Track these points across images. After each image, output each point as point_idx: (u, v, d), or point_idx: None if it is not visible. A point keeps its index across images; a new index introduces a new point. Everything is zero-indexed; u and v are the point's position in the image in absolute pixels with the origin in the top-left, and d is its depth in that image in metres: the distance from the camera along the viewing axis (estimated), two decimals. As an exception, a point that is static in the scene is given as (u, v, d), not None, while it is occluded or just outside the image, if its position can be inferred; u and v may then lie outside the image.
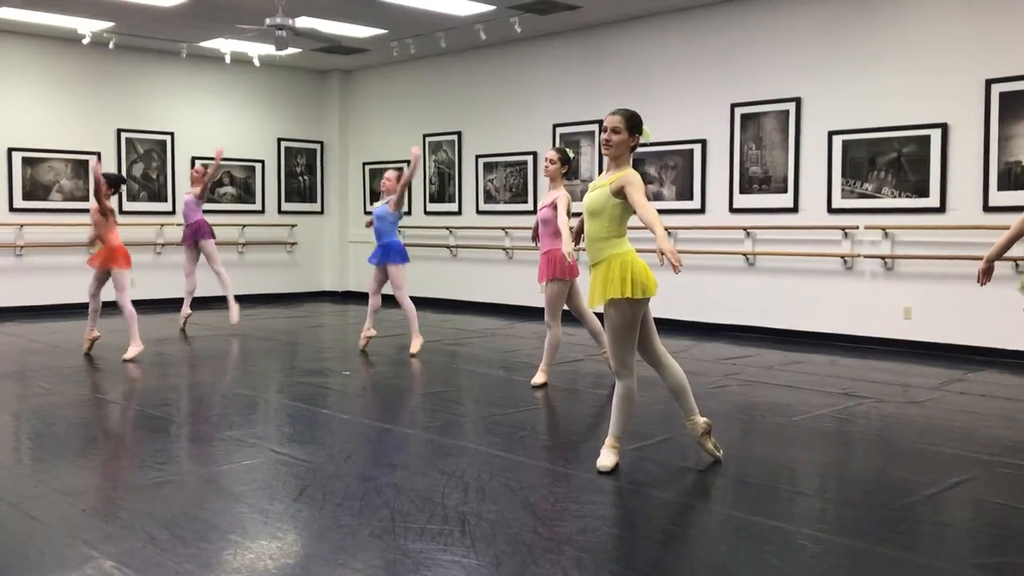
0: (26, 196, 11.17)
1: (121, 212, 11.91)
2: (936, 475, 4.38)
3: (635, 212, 4.15)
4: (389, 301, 8.61)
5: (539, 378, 6.53)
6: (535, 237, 6.81)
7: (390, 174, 8.13)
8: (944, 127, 8.01)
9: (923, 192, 8.15)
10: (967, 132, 7.90)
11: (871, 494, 4.13)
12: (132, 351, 7.71)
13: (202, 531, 3.52)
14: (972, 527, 3.85)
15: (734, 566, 3.26)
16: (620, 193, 4.15)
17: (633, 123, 4.25)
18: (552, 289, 6.36)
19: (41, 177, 11.30)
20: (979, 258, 5.14)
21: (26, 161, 11.19)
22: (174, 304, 11.61)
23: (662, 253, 3.86)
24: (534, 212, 6.69)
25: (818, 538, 3.50)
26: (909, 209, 8.26)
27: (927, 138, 8.10)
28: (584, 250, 4.46)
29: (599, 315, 5.86)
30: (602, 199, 4.19)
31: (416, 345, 8.11)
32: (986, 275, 4.91)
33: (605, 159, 4.37)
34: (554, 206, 6.22)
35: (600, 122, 10.35)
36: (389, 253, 7.98)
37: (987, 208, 7.81)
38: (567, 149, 6.54)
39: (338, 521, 3.64)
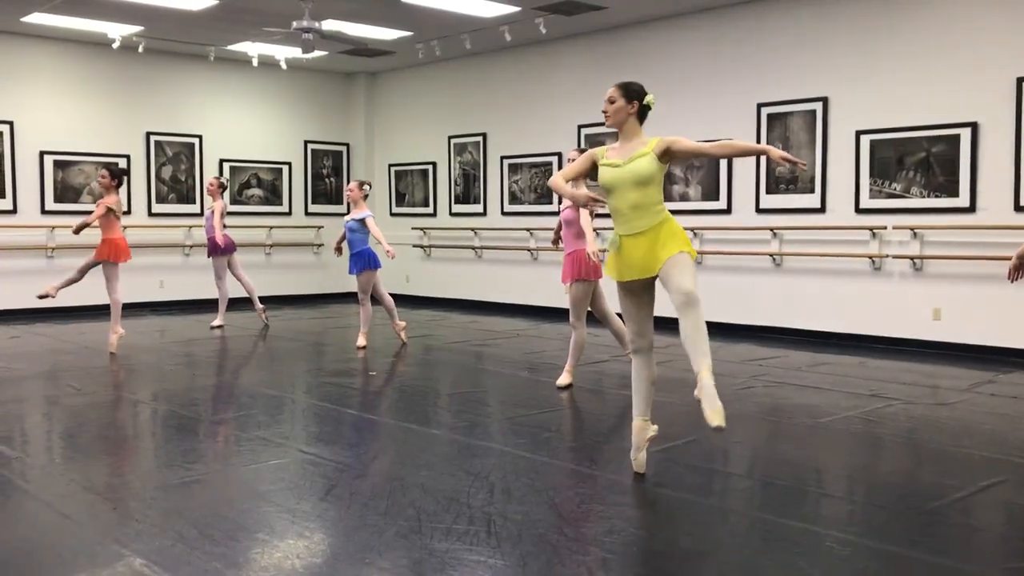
0: (57, 199, 11.32)
1: (150, 215, 12.08)
2: (966, 478, 4.33)
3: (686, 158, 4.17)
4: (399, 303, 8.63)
5: (564, 379, 6.53)
6: (556, 240, 6.86)
7: (352, 184, 8.58)
8: (974, 126, 7.91)
9: (953, 192, 8.07)
10: (998, 131, 7.81)
11: (900, 497, 4.09)
12: (113, 339, 8.04)
13: (230, 530, 3.55)
14: (1003, 531, 3.81)
15: (761, 569, 3.24)
16: (665, 156, 4.14)
17: (629, 91, 4.26)
18: (577, 290, 6.36)
19: (72, 180, 11.45)
20: (1010, 258, 5.08)
21: (57, 164, 11.34)
22: (202, 305, 11.75)
23: (784, 159, 3.92)
24: (559, 213, 6.67)
25: (846, 541, 3.48)
26: (938, 209, 8.17)
27: (957, 137, 8.01)
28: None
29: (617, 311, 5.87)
30: (650, 166, 4.12)
31: (363, 340, 8.53)
32: (1017, 271, 4.83)
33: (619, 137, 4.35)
34: (577, 207, 6.22)
35: (625, 123, 10.41)
36: (365, 261, 8.38)
37: (1018, 208, 7.71)
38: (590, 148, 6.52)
39: (365, 520, 3.66)
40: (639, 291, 4.24)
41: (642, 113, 4.28)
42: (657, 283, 4.17)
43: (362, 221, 8.35)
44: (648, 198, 4.12)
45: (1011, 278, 4.86)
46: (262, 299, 10.51)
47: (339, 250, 8.77)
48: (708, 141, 4.33)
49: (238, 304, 11.09)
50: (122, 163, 11.75)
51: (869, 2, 8.58)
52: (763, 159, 9.30)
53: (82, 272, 8.12)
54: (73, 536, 3.55)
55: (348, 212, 9.22)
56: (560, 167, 11.12)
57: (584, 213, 6.13)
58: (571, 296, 6.40)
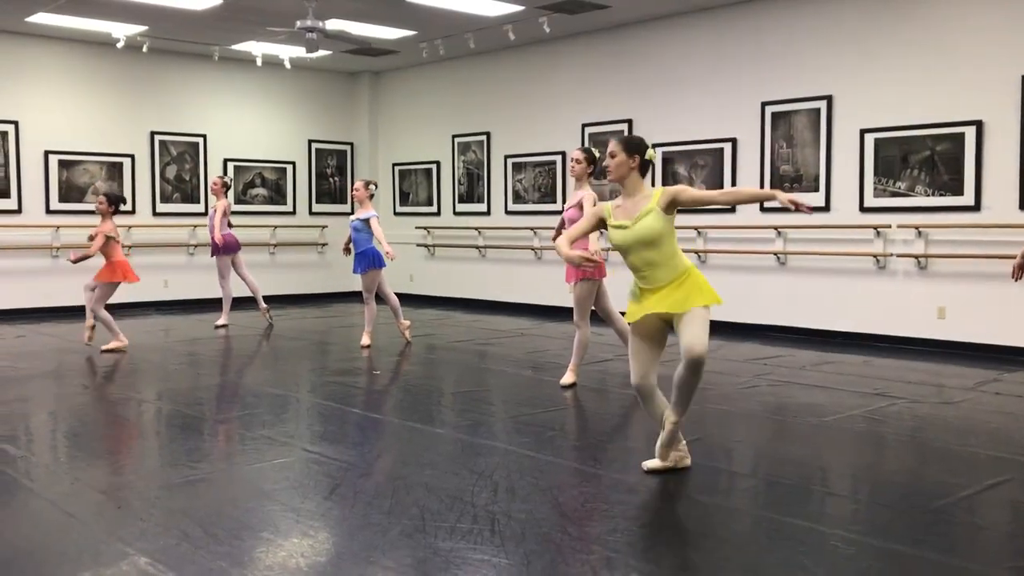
0: (62, 198, 11.34)
1: (154, 214, 12.09)
2: (971, 477, 4.32)
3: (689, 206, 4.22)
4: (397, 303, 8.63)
5: (568, 378, 6.53)
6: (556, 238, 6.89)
7: (359, 184, 8.57)
8: (979, 124, 7.90)
9: (957, 190, 8.05)
10: (1003, 129, 7.79)
11: (905, 496, 4.08)
12: (114, 343, 8.19)
13: (235, 529, 3.56)
14: (1009, 530, 3.80)
15: (766, 567, 3.24)
16: (671, 207, 4.14)
17: (629, 145, 4.28)
18: (581, 289, 6.36)
19: (76, 180, 11.47)
20: (1015, 256, 5.07)
21: (62, 164, 11.36)
22: (207, 305, 11.76)
23: (792, 202, 3.97)
24: (563, 212, 6.67)
25: (851, 540, 3.47)
26: (943, 207, 8.15)
27: (961, 135, 7.99)
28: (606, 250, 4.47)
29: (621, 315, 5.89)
30: (657, 223, 4.11)
31: (367, 339, 8.54)
32: (1022, 270, 4.83)
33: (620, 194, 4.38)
34: (580, 206, 6.23)
35: (629, 121, 10.42)
36: (370, 260, 8.40)
37: (1023, 206, 7.69)
38: (593, 149, 6.54)
39: (369, 519, 3.66)
40: (654, 333, 4.23)
41: (643, 167, 4.29)
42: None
43: (366, 221, 8.36)
44: (662, 254, 4.13)
45: (1015, 277, 4.86)
46: (266, 298, 10.52)
47: (348, 250, 8.78)
48: (712, 189, 4.45)
49: (242, 303, 11.11)
50: (126, 163, 11.78)
51: (874, 1, 8.56)
52: (767, 157, 9.29)
53: (94, 311, 8.20)
54: (78, 535, 3.56)
55: (353, 212, 9.24)
56: (564, 166, 11.11)
57: (589, 208, 6.13)
58: (575, 295, 6.40)
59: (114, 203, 8.24)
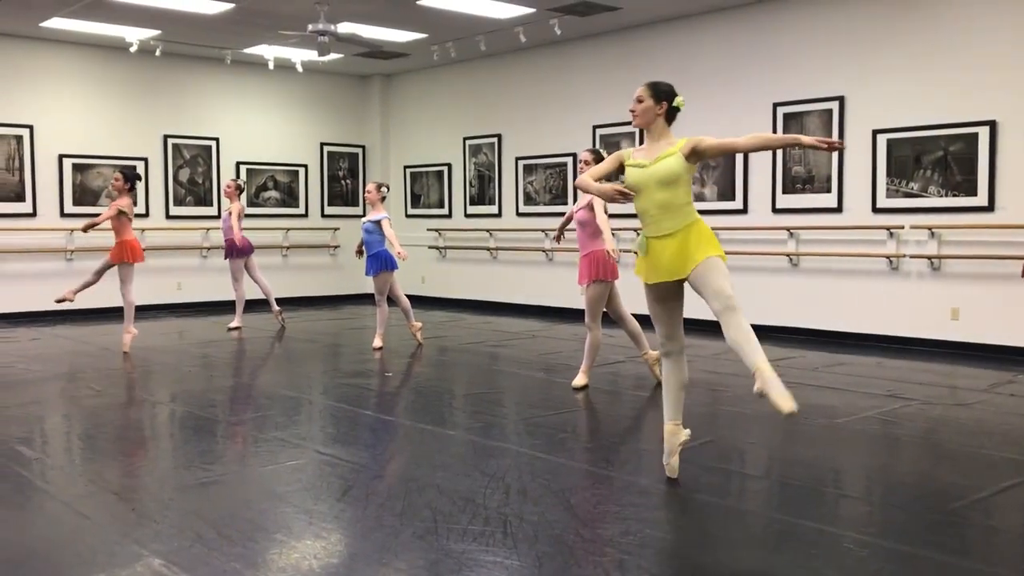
0: (76, 201, 11.41)
1: (167, 217, 12.15)
2: (986, 479, 4.30)
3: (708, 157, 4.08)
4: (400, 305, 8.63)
5: (580, 380, 6.52)
6: (559, 237, 7.16)
7: (371, 186, 8.62)
8: (992, 124, 7.86)
9: (971, 191, 8.01)
10: (1017, 129, 7.75)
11: (918, 498, 4.06)
12: (127, 339, 8.20)
13: (248, 530, 3.57)
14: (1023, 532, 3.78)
15: (778, 569, 3.23)
16: (693, 156, 4.03)
17: (658, 91, 4.15)
18: (594, 290, 6.35)
19: (90, 183, 11.54)
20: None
21: (76, 167, 11.43)
22: (220, 307, 11.81)
23: (820, 142, 3.83)
24: (572, 211, 6.67)
25: (864, 542, 3.46)
26: (956, 208, 8.11)
27: (975, 136, 7.95)
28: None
29: (638, 316, 5.88)
30: (677, 166, 4.02)
31: (379, 341, 8.58)
32: None
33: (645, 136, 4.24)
34: (590, 207, 6.23)
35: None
36: (382, 262, 8.41)
37: (1038, 206, 7.66)
38: (601, 150, 6.56)
39: (381, 521, 3.67)
40: (668, 294, 4.14)
41: (670, 114, 4.17)
42: (687, 285, 4.08)
43: (378, 223, 8.38)
44: (675, 198, 4.03)
45: None
46: (279, 301, 10.57)
47: (360, 253, 8.81)
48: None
49: (255, 306, 11.15)
50: (140, 166, 11.84)
51: (885, 1, 8.53)
52: (779, 157, 9.26)
53: (98, 274, 8.23)
54: (92, 536, 3.58)
55: (365, 214, 9.26)
56: (575, 168, 11.11)
57: (600, 212, 6.14)
58: (587, 297, 6.39)
59: (130, 180, 8.20)
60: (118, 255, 8.08)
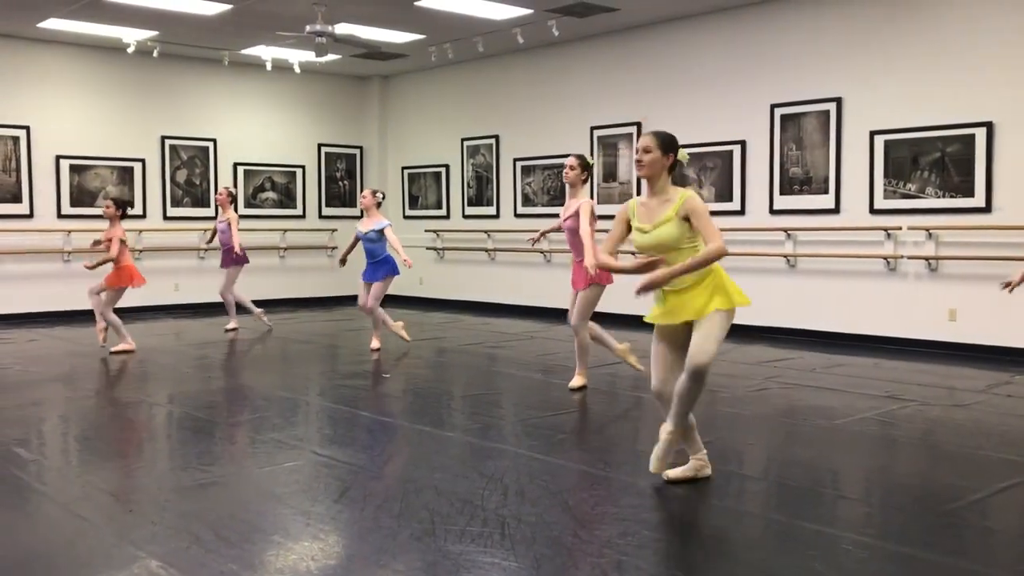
0: (73, 203, 11.40)
1: (165, 218, 12.15)
2: (983, 480, 4.30)
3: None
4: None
5: (577, 381, 6.52)
6: (537, 240, 7.33)
7: (366, 192, 8.58)
8: (989, 125, 7.87)
9: (968, 192, 8.02)
10: (1013, 130, 7.75)
11: (916, 499, 4.06)
12: (122, 345, 8.33)
13: (245, 532, 3.57)
14: (1021, 533, 3.78)
15: (777, 570, 3.23)
16: (687, 220, 4.03)
17: (666, 143, 4.15)
18: (591, 293, 6.34)
19: (88, 184, 11.52)
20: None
21: (73, 168, 11.42)
22: (217, 308, 11.77)
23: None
24: (561, 219, 6.66)
25: (862, 543, 3.46)
26: (953, 209, 8.12)
27: (972, 137, 7.96)
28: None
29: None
30: (673, 232, 4.02)
31: (377, 342, 8.58)
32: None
33: (644, 185, 4.25)
34: (578, 215, 6.24)
35: (638, 124, 10.42)
36: (390, 267, 8.42)
37: (1035, 208, 7.66)
38: (585, 155, 6.57)
39: (379, 523, 3.66)
40: (676, 338, 4.13)
41: (673, 167, 4.18)
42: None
43: (380, 232, 8.33)
44: (680, 256, 4.01)
45: (1014, 286, 4.84)
46: (276, 302, 10.55)
47: (344, 262, 8.81)
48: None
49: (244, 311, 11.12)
50: (137, 167, 11.84)
51: (882, 2, 8.54)
52: (776, 159, 9.26)
53: (104, 315, 8.35)
54: (89, 538, 3.57)
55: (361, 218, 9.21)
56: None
57: (584, 225, 6.12)
58: (583, 298, 6.38)
59: (121, 207, 8.38)
60: (116, 280, 8.23)
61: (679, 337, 4.13)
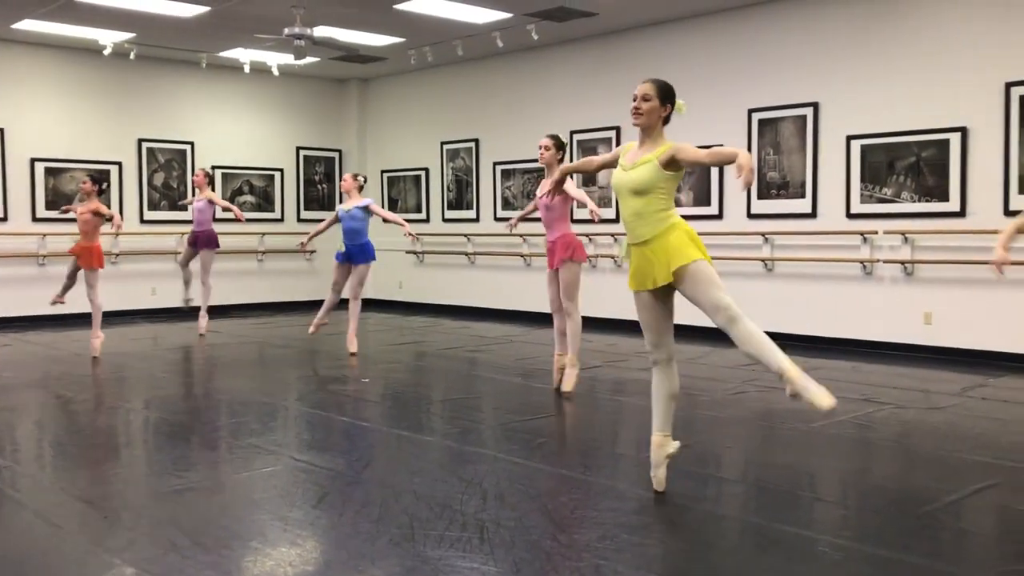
0: (48, 206, 11.27)
1: (142, 221, 12.04)
2: (958, 482, 4.34)
3: (690, 168, 3.97)
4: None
5: (571, 377, 6.45)
6: (515, 224, 7.44)
7: (347, 176, 8.56)
8: (964, 131, 7.95)
9: (943, 196, 8.10)
10: (987, 136, 7.85)
11: (893, 501, 4.09)
12: (96, 343, 8.15)
13: (223, 538, 3.54)
14: (996, 534, 3.82)
15: (754, 573, 3.25)
16: (671, 164, 3.95)
17: (665, 92, 4.07)
18: (570, 271, 6.33)
19: (63, 187, 11.41)
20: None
21: (48, 171, 11.30)
22: (194, 313, 11.69)
23: (744, 165, 3.58)
24: (539, 198, 6.65)
25: (839, 545, 3.48)
26: (929, 214, 8.20)
27: (946, 142, 8.05)
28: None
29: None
30: (649, 174, 3.94)
31: (353, 345, 8.44)
32: (1004, 263, 4.66)
33: (638, 134, 4.16)
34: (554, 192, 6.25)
35: (617, 128, 10.45)
36: (371, 252, 8.36)
37: (1008, 212, 7.73)
38: (559, 135, 6.53)
39: (357, 528, 3.65)
40: (654, 302, 4.04)
41: (668, 118, 4.11)
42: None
43: (365, 208, 8.25)
44: (648, 206, 3.94)
45: (999, 269, 4.73)
46: (255, 306, 10.47)
47: (303, 245, 8.70)
48: (704, 147, 4.12)
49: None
50: (114, 170, 11.74)
51: (859, 8, 8.62)
52: (754, 163, 9.29)
53: (72, 277, 8.23)
54: (64, 545, 3.54)
55: (340, 202, 9.05)
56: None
57: (572, 187, 6.12)
58: (565, 278, 6.35)
59: (98, 182, 8.23)
60: (88, 262, 8.04)
61: (657, 299, 4.02)
